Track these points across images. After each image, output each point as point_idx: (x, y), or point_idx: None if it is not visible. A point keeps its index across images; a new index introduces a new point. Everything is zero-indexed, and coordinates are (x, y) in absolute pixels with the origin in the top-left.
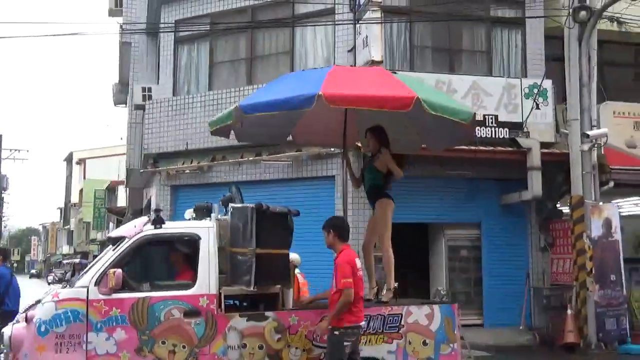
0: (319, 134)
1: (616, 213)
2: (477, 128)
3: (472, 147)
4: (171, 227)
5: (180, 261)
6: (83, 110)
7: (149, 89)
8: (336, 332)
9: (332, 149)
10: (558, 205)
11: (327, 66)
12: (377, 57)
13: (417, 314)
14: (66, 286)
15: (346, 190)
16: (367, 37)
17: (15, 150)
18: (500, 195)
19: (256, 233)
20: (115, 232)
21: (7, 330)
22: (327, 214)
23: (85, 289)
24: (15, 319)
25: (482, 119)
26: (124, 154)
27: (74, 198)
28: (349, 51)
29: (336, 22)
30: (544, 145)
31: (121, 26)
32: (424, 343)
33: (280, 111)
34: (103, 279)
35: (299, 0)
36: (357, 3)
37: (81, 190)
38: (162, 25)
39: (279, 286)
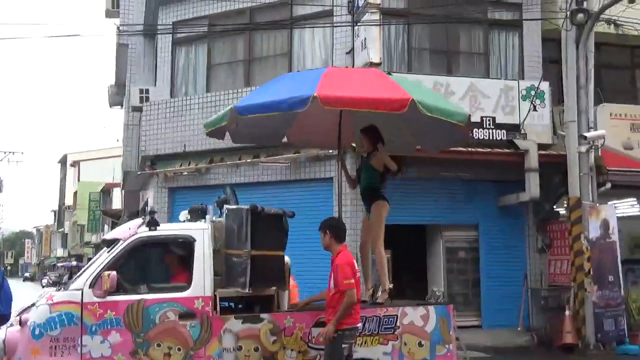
0: (315, 135)
1: (614, 214)
2: (475, 130)
3: (470, 149)
4: (166, 229)
5: (175, 263)
6: (78, 112)
7: (147, 91)
8: (335, 334)
9: (330, 151)
10: (555, 207)
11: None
12: (376, 59)
13: (412, 315)
14: (61, 289)
15: (341, 191)
16: (365, 39)
17: (10, 152)
18: (498, 197)
19: (251, 235)
20: (109, 235)
21: (0, 334)
22: (325, 215)
23: (80, 292)
24: (9, 322)
25: (479, 121)
26: (119, 156)
27: (68, 201)
28: (347, 53)
29: (334, 24)
30: (541, 147)
31: (118, 28)
32: (420, 344)
33: (274, 112)
34: (97, 281)
35: (297, 2)
36: (355, 5)
37: (75, 193)
38: (159, 27)
39: (274, 288)
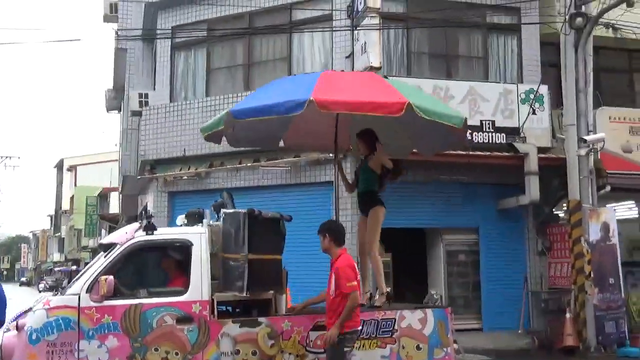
0: (311, 138)
1: (614, 217)
2: (474, 133)
3: (470, 153)
4: (163, 233)
5: (172, 267)
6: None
7: (146, 95)
8: (337, 338)
9: (330, 155)
10: (555, 210)
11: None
12: (376, 63)
13: (410, 318)
14: (58, 294)
15: (338, 194)
16: (365, 43)
17: (7, 157)
18: (498, 200)
19: (248, 239)
20: (106, 239)
21: None
22: (324, 219)
23: (77, 297)
24: (5, 327)
25: (479, 125)
26: (115, 160)
27: (65, 205)
28: (346, 57)
29: (334, 29)
30: (540, 150)
31: (116, 32)
32: (418, 347)
33: (271, 116)
34: (94, 286)
35: (296, 6)
36: (354, 9)
37: (72, 197)
38: (158, 32)
39: (271, 292)
